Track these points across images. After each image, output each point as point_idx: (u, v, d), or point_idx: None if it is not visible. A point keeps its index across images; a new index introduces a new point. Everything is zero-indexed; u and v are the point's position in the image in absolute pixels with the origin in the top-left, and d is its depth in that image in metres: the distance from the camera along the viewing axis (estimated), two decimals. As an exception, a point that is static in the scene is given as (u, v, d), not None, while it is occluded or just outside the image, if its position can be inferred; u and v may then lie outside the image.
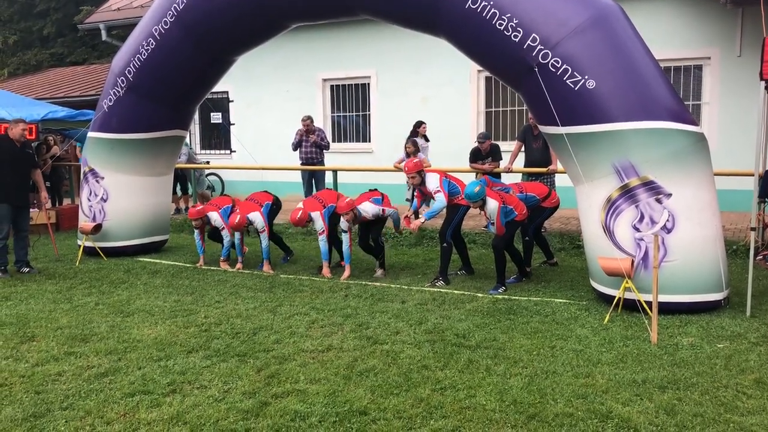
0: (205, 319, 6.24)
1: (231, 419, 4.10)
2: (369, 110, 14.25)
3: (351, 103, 14.53)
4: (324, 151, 11.84)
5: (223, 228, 8.54)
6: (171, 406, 4.31)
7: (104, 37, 16.17)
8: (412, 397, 4.36)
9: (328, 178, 11.49)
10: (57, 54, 26.17)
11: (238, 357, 5.18)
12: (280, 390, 4.52)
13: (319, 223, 7.93)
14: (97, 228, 9.18)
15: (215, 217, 8.56)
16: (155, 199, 9.57)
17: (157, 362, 5.10)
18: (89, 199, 9.40)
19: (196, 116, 14.42)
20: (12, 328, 6.03)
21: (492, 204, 6.98)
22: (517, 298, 6.80)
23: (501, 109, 13.02)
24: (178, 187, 13.06)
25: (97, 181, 9.31)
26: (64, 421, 4.12)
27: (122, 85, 8.82)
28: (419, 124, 11.34)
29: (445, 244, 7.50)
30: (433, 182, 7.46)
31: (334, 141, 14.14)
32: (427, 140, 11.36)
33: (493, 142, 10.21)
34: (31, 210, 8.95)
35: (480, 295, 6.95)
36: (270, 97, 14.99)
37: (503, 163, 9.91)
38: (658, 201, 5.95)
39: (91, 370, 4.95)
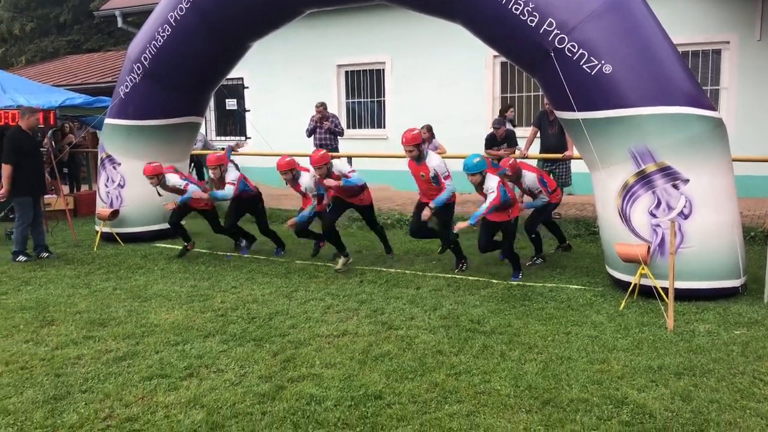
0: (222, 304, 6.30)
1: (247, 402, 4.14)
2: (384, 96, 14.20)
3: (366, 89, 14.49)
4: (338, 137, 11.85)
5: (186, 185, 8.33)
6: (188, 389, 4.36)
7: (120, 23, 16.21)
8: (427, 382, 4.38)
9: (343, 164, 11.48)
10: (74, 41, 26.32)
11: (254, 341, 5.22)
12: (296, 374, 4.56)
13: (306, 178, 7.94)
14: (115, 214, 9.27)
15: (172, 178, 8.35)
16: (172, 186, 9.60)
17: (175, 346, 5.16)
18: (106, 185, 9.48)
19: (212, 103, 14.44)
20: (32, 312, 6.12)
21: (492, 180, 6.69)
22: (531, 284, 6.79)
23: (517, 94, 12.94)
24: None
25: (114, 168, 9.38)
26: (83, 403, 4.19)
27: (138, 72, 8.85)
28: (507, 108, 10.82)
29: (451, 245, 7.44)
30: (440, 165, 7.05)
31: (348, 127, 14.13)
32: (513, 125, 10.66)
33: (508, 127, 10.15)
34: (49, 196, 9.00)
35: (495, 281, 6.94)
36: (285, 84, 14.98)
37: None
38: (675, 187, 5.90)
39: (109, 354, 5.02)
